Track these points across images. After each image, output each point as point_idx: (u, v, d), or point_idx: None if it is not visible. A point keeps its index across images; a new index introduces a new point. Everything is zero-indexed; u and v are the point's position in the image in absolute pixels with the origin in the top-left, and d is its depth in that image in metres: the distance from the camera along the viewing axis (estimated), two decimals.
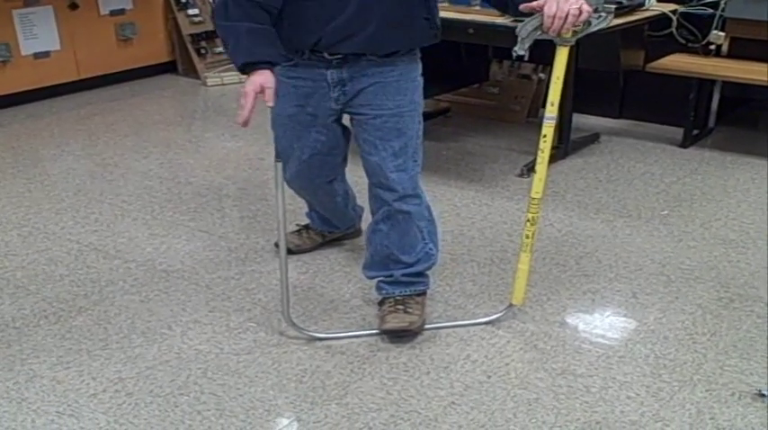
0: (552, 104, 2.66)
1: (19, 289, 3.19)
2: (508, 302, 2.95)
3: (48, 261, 3.42)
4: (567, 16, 2.49)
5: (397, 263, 2.86)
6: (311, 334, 2.83)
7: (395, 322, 2.80)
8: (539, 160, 2.76)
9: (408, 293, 2.90)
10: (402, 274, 2.88)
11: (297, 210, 3.52)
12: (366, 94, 2.71)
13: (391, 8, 2.57)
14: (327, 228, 3.44)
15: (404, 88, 2.73)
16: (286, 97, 2.75)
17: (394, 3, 2.57)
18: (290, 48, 2.64)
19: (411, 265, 2.87)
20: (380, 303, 2.94)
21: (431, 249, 2.91)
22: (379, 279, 2.93)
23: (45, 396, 2.53)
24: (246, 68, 2.48)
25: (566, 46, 2.61)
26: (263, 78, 2.47)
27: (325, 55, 2.66)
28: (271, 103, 2.50)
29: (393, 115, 2.72)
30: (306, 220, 3.48)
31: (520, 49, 2.67)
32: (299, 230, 3.48)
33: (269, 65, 2.49)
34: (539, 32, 2.58)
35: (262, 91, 2.46)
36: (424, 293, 2.94)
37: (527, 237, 2.81)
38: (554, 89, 2.64)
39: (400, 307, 2.85)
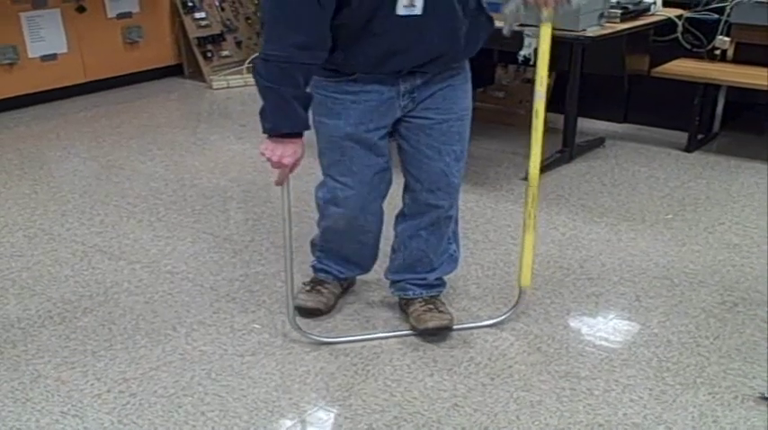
0: (541, 80, 2.69)
1: (24, 289, 3.20)
2: (512, 304, 2.96)
3: (53, 262, 3.43)
4: None
5: (430, 266, 2.90)
6: (316, 337, 2.83)
7: (436, 321, 2.84)
8: (533, 138, 2.82)
9: (435, 294, 2.95)
10: (435, 278, 2.92)
11: (301, 213, 3.51)
12: (435, 99, 2.64)
13: (470, 26, 2.55)
14: (346, 273, 3.05)
15: (467, 90, 2.72)
16: (342, 115, 2.61)
17: (471, 19, 2.54)
18: (353, 69, 2.55)
19: (439, 268, 2.92)
20: (407, 304, 2.95)
21: (455, 251, 2.96)
22: (408, 281, 2.93)
23: (49, 396, 2.54)
24: (286, 135, 2.47)
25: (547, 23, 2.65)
26: (302, 149, 2.50)
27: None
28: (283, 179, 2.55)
29: (458, 119, 2.69)
30: (310, 275, 3.10)
31: (507, 31, 2.74)
32: (312, 289, 3.03)
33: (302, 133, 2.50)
34: (522, 10, 2.64)
35: (296, 164, 2.50)
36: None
37: (528, 216, 2.82)
38: (541, 64, 2.67)
39: (431, 306, 2.89)
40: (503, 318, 2.93)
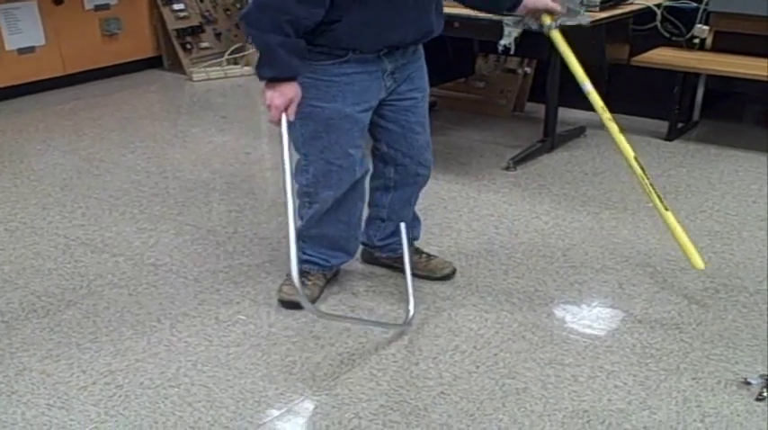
0: (583, 76, 3.25)
1: (7, 283, 3.19)
2: (496, 293, 2.98)
3: (35, 255, 3.42)
4: None
5: (413, 225, 3.17)
6: (318, 311, 2.76)
7: (448, 267, 3.20)
8: (606, 116, 3.30)
9: (416, 246, 3.25)
10: (415, 233, 3.21)
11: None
12: (413, 79, 2.81)
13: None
14: (331, 260, 3.07)
15: (426, 68, 2.90)
16: (338, 97, 2.66)
17: None
18: (348, 48, 2.60)
19: (417, 224, 3.24)
20: (397, 260, 3.12)
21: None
22: (397, 242, 3.06)
23: (35, 389, 2.53)
24: (273, 80, 2.51)
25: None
26: (293, 91, 2.52)
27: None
28: (292, 118, 2.55)
29: (426, 94, 2.92)
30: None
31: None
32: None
33: (295, 77, 2.53)
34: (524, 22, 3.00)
35: (289, 104, 2.52)
36: None
37: (658, 199, 3.09)
38: (574, 67, 3.23)
39: (426, 255, 3.22)
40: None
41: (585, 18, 3.36)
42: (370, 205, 3.09)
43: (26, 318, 2.94)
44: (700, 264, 2.99)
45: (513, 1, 2.92)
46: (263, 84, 2.53)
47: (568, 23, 3.17)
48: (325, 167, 2.76)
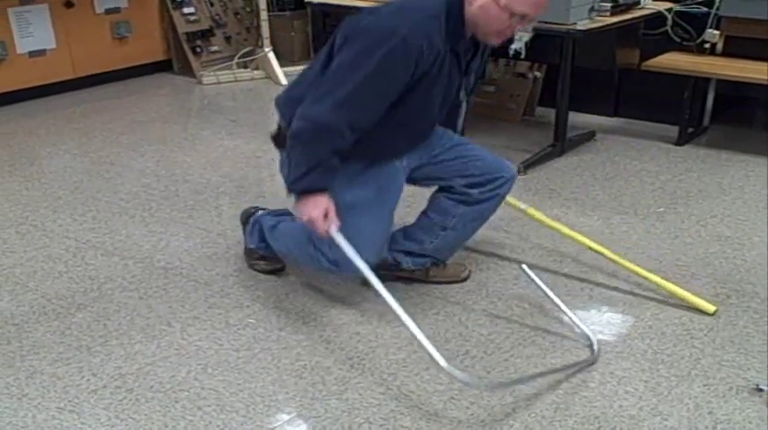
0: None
1: (18, 286, 3.19)
2: (507, 298, 2.98)
3: (46, 258, 3.42)
4: None
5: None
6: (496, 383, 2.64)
7: (466, 270, 3.24)
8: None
9: None
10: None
11: None
12: (433, 146, 2.96)
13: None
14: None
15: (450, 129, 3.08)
16: (363, 185, 2.79)
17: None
18: (373, 157, 2.79)
19: None
20: (428, 269, 3.17)
21: None
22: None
23: (45, 392, 2.54)
24: (306, 192, 2.62)
25: None
26: (326, 200, 2.62)
27: None
28: (337, 223, 2.64)
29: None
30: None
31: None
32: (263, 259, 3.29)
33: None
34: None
35: (326, 214, 2.60)
36: None
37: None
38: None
39: (441, 264, 3.19)
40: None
41: None
42: (432, 211, 3.05)
43: (37, 320, 2.94)
44: (710, 308, 2.98)
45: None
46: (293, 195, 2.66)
47: None
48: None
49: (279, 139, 2.83)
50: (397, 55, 2.48)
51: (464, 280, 3.20)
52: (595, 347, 2.72)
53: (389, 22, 2.54)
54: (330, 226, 2.63)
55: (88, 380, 2.60)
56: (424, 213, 3.07)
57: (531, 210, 3.37)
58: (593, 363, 2.66)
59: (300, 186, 2.60)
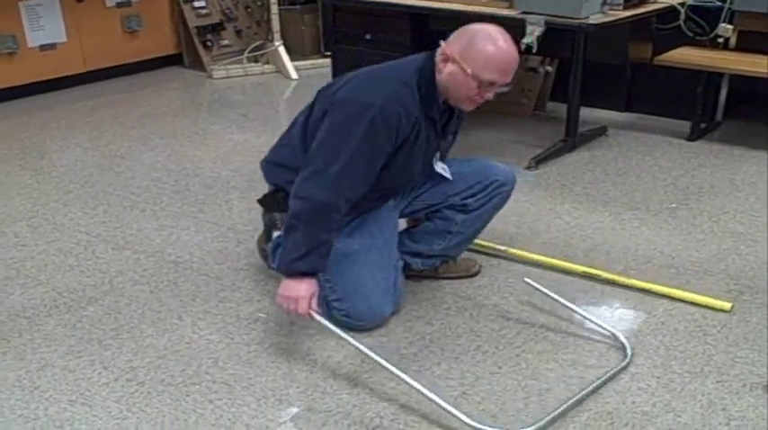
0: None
1: (29, 279, 3.19)
2: (518, 293, 2.97)
3: (57, 251, 3.42)
4: None
5: None
6: None
7: (477, 266, 3.23)
8: None
9: None
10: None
11: None
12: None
13: None
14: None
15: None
16: (356, 234, 2.80)
17: None
18: (359, 212, 2.80)
19: None
20: (438, 268, 3.17)
21: None
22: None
23: (57, 384, 2.54)
24: (302, 274, 2.59)
25: None
26: (315, 285, 2.62)
27: None
28: (316, 307, 2.63)
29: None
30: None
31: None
32: None
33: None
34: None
35: (312, 295, 2.61)
36: None
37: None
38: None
39: (451, 260, 3.18)
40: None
41: None
42: (434, 219, 3.04)
43: (48, 314, 2.94)
44: (726, 305, 2.96)
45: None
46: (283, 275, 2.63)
47: None
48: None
49: (265, 202, 2.99)
50: (378, 126, 2.53)
51: (474, 275, 3.19)
52: (628, 351, 2.68)
53: (365, 95, 2.59)
54: (312, 307, 2.61)
55: (99, 373, 2.60)
56: (427, 219, 3.07)
57: (512, 251, 3.36)
58: (626, 367, 2.63)
59: (298, 268, 2.57)
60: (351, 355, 2.68)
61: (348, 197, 2.58)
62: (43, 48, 5.78)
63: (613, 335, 2.77)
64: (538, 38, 4.08)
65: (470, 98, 2.63)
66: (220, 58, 6.56)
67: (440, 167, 2.90)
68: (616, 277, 3.14)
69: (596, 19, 4.14)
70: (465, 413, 2.36)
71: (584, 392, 2.46)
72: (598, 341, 2.76)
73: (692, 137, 4.78)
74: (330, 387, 2.53)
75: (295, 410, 2.43)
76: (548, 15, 4.04)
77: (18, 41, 5.61)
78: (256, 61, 6.58)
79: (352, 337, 2.59)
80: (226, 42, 6.65)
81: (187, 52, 6.67)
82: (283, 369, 2.62)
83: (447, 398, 2.44)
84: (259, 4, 6.75)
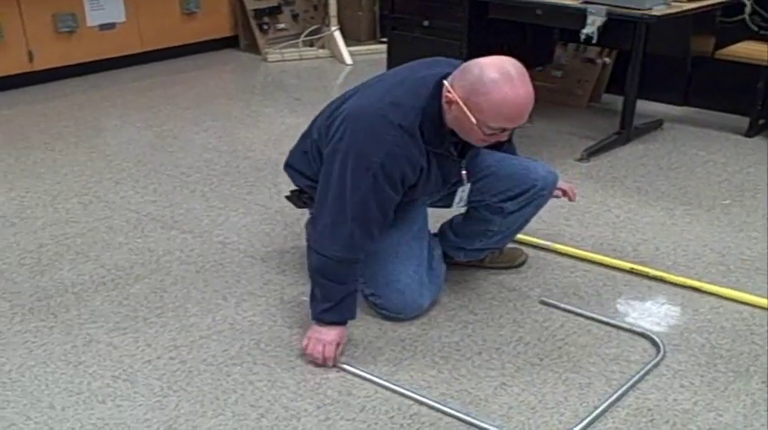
0: None
1: (79, 255, 3.24)
2: (563, 286, 2.94)
3: (107, 229, 3.47)
4: None
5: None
6: None
7: (523, 255, 3.20)
8: None
9: None
10: None
11: None
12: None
13: None
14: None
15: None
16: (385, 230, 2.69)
17: None
18: None
19: None
20: (484, 258, 3.14)
21: None
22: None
23: (101, 360, 2.57)
24: (332, 323, 2.58)
25: None
26: (343, 333, 2.60)
27: None
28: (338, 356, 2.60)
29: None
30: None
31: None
32: None
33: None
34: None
35: (338, 344, 2.58)
36: None
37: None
38: None
39: (497, 250, 3.14)
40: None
41: None
42: (471, 220, 2.99)
43: (95, 290, 2.99)
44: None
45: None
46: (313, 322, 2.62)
47: None
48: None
49: (292, 199, 2.93)
50: (381, 182, 2.43)
51: (520, 265, 3.16)
52: (661, 347, 2.65)
53: (366, 146, 2.43)
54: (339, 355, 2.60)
55: (143, 350, 2.63)
56: (465, 218, 3.01)
57: (557, 246, 3.32)
58: (659, 363, 2.60)
59: (329, 319, 2.56)
60: (392, 342, 2.68)
61: (365, 245, 2.53)
62: (102, 27, 5.85)
63: (642, 334, 2.73)
64: (598, 28, 4.02)
65: (481, 139, 2.46)
66: (276, 41, 6.58)
67: (458, 197, 2.80)
68: (664, 274, 3.09)
69: (660, 10, 4.04)
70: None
71: (623, 388, 2.44)
72: (642, 337, 2.72)
73: (750, 133, 4.68)
74: (370, 373, 2.53)
75: (334, 394, 2.44)
76: (610, 6, 3.97)
77: (78, 20, 5.68)
78: (312, 45, 6.60)
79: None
80: (282, 26, 6.68)
81: (243, 35, 6.71)
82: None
83: (486, 389, 2.44)
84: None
